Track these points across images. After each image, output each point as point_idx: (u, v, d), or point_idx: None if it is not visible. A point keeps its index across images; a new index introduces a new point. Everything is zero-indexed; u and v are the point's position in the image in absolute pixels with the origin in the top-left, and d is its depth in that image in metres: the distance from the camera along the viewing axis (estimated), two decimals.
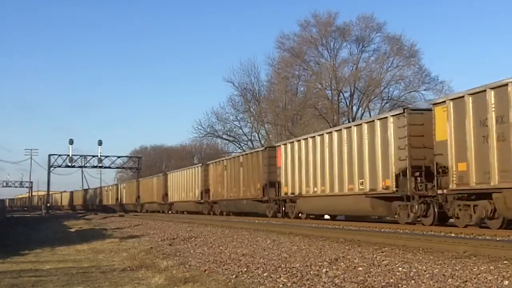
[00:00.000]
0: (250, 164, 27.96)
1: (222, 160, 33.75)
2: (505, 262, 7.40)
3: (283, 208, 24.74)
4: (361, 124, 18.82)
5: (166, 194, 43.65)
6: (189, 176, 38.16)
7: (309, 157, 21.72)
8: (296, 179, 22.81)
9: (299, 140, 23.13)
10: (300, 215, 23.11)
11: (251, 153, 29.18)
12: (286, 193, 23.82)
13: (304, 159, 22.22)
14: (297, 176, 22.74)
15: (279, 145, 25.33)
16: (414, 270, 7.13)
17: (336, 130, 20.31)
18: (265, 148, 27.06)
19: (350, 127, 19.35)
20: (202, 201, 35.17)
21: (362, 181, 18.05)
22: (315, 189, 21.25)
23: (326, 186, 20.30)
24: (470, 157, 13.28)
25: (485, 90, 13.00)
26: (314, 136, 21.73)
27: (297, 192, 22.73)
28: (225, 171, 31.56)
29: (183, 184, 39.62)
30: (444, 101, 14.48)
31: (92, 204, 71.86)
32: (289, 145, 24.00)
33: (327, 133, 20.94)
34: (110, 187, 67.52)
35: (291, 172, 23.38)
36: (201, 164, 37.16)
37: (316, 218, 22.41)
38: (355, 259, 8.48)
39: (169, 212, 42.46)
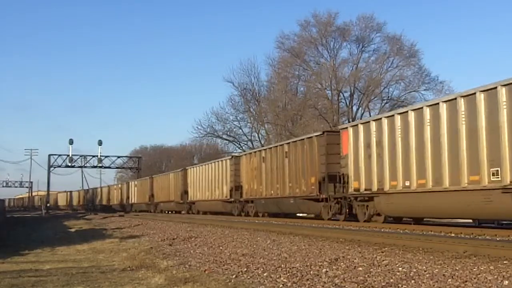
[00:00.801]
0: (300, 154, 22.74)
1: (260, 151, 28.06)
2: (505, 262, 7.40)
3: (348, 209, 19.73)
4: (495, 88, 13.04)
5: (186, 192, 38.99)
6: (215, 171, 33.22)
7: (397, 140, 16.47)
8: (373, 171, 17.53)
9: (379, 119, 17.77)
10: (373, 217, 18.27)
11: (301, 140, 23.41)
12: (357, 189, 18.53)
13: (387, 143, 16.93)
14: (375, 166, 17.48)
15: (345, 128, 20.01)
16: (414, 270, 7.13)
17: (446, 101, 14.87)
18: (323, 133, 21.82)
19: (474, 93, 13.58)
20: (231, 199, 30.36)
21: (497, 170, 12.93)
22: (407, 183, 16.05)
23: (428, 178, 15.17)
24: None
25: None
26: (406, 112, 16.38)
27: (375, 187, 17.48)
28: (263, 164, 26.40)
29: (207, 181, 34.55)
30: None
31: (95, 204, 69.60)
32: (361, 127, 18.51)
33: (429, 106, 15.42)
34: (119, 186, 63.02)
35: (365, 161, 18.10)
36: (230, 157, 32.17)
37: (396, 221, 18.30)
38: (355, 259, 8.48)
39: (189, 212, 38.44)
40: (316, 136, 21.89)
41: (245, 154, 29.92)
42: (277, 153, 25.10)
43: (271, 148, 26.85)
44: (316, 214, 22.55)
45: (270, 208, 26.45)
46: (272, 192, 25.33)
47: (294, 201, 23.07)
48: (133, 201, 54.93)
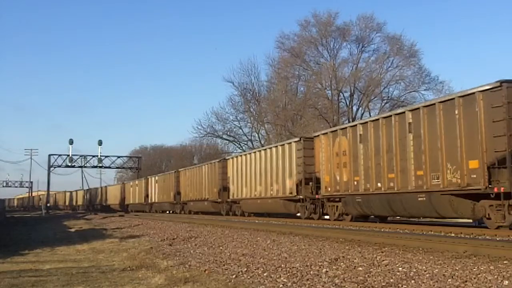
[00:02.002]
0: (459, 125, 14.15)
1: (355, 126, 18.85)
2: (505, 262, 7.40)
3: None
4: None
5: (225, 189, 31.59)
6: (270, 160, 25.22)
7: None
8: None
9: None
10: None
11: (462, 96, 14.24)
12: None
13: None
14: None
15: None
16: (414, 270, 7.13)
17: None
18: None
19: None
20: (297, 197, 22.52)
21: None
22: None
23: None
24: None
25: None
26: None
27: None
28: (360, 145, 18.14)
29: (257, 173, 26.68)
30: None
31: (103, 205, 65.92)
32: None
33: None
34: (137, 183, 54.29)
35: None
36: (298, 139, 23.50)
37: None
38: (355, 259, 8.48)
39: (230, 213, 31.10)
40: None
41: (323, 133, 21.06)
42: (401, 123, 16.66)
43: (385, 117, 17.65)
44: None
45: (375, 208, 17.90)
46: (379, 186, 17.39)
47: (428, 199, 15.22)
48: (153, 200, 48.00)
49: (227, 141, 57.97)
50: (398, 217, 20.04)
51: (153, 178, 49.49)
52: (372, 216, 19.45)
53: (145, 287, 7.22)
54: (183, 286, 7.02)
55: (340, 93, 45.93)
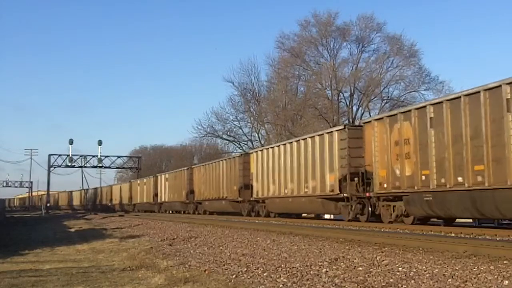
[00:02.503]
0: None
1: (423, 108, 15.42)
2: (505, 262, 7.40)
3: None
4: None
5: (247, 187, 27.55)
6: (305, 153, 21.86)
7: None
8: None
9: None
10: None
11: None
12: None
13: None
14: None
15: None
16: (414, 270, 7.13)
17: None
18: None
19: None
20: (342, 195, 19.14)
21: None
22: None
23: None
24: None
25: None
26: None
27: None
28: (431, 131, 14.93)
29: (288, 168, 23.24)
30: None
31: (108, 205, 63.30)
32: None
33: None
34: (145, 181, 50.57)
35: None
36: (342, 126, 20.29)
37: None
38: (355, 259, 8.48)
39: (252, 213, 27.51)
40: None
41: (402, 113, 16.43)
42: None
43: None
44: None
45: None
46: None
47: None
48: (163, 199, 44.58)
49: (227, 141, 58.02)
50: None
51: (162, 175, 45.83)
52: (435, 219, 16.63)
53: (145, 287, 7.22)
54: (183, 286, 7.01)
55: (340, 93, 45.96)
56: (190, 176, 37.63)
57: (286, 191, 23.47)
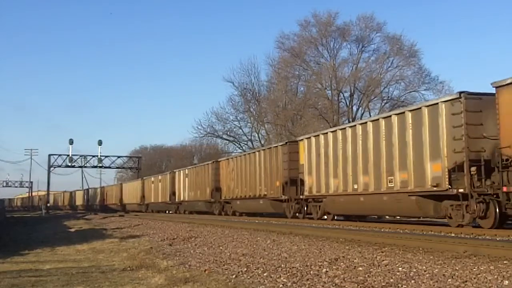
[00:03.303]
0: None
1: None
2: (505, 262, 7.40)
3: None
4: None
5: (293, 182, 23.30)
6: (388, 135, 17.01)
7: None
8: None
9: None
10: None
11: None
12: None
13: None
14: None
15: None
16: (414, 270, 7.13)
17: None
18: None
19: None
20: (455, 191, 14.19)
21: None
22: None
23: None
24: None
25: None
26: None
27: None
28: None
29: (360, 157, 18.47)
30: None
31: (116, 204, 59.68)
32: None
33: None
34: (160, 178, 45.76)
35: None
36: (457, 95, 14.42)
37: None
38: (355, 259, 8.48)
39: (300, 215, 23.11)
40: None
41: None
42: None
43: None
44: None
45: None
46: None
47: None
48: (182, 198, 40.14)
49: (227, 141, 58.08)
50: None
51: (181, 171, 41.29)
52: None
53: (145, 287, 7.22)
54: (183, 286, 7.01)
55: (340, 93, 46.01)
56: (216, 171, 32.77)
57: (355, 187, 18.66)
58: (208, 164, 35.16)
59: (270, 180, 25.28)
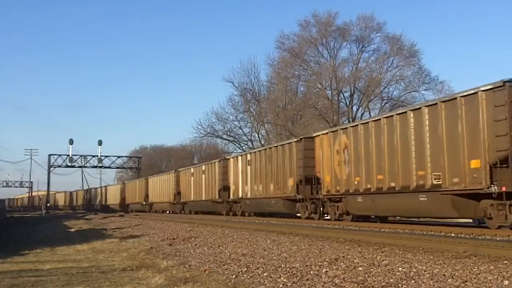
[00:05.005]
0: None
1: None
2: (505, 262, 7.40)
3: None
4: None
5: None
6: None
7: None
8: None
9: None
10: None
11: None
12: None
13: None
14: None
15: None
16: (414, 270, 7.13)
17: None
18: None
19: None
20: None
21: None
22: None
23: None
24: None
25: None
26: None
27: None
28: None
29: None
30: None
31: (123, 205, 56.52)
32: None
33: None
34: (203, 168, 35.56)
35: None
36: None
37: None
38: (355, 259, 8.48)
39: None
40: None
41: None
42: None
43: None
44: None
45: None
46: None
47: None
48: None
49: (227, 141, 58.06)
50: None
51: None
52: None
53: (145, 287, 7.22)
54: (183, 286, 7.01)
55: (340, 93, 45.99)
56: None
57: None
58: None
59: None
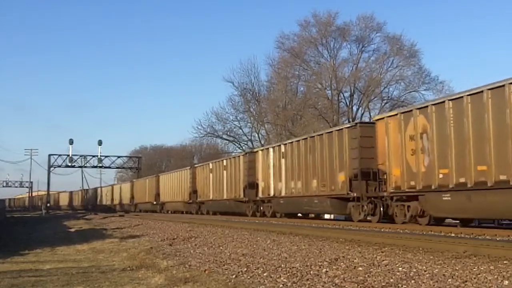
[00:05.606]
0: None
1: None
2: (505, 262, 7.40)
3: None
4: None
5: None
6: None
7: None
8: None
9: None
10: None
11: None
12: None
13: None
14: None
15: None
16: (414, 270, 7.13)
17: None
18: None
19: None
20: None
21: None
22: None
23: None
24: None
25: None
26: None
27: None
28: None
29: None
30: None
31: (129, 204, 54.85)
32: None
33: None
34: (225, 163, 32.22)
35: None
36: None
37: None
38: (355, 259, 8.48)
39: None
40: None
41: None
42: None
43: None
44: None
45: None
46: None
47: None
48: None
49: (227, 141, 58.05)
50: None
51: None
52: None
53: (145, 287, 7.22)
54: (183, 286, 7.02)
55: (340, 93, 45.97)
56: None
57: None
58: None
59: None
